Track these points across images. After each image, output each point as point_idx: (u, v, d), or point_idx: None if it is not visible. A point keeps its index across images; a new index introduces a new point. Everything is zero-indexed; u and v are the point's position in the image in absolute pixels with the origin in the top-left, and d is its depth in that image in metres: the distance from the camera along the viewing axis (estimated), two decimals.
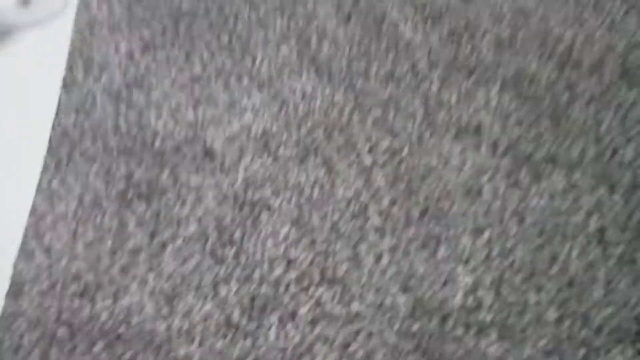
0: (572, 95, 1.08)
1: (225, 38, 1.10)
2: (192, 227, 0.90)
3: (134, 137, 0.98)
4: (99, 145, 0.97)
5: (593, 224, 0.94)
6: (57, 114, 1.00)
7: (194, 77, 1.05)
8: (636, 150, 1.02)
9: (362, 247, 0.90)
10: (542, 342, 0.84)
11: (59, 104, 1.00)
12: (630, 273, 0.90)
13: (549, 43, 1.14)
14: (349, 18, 1.14)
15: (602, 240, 0.93)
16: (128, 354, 0.79)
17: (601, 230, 0.94)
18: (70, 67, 1.04)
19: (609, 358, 0.84)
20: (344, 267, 0.88)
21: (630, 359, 0.83)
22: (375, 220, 0.93)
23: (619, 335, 0.85)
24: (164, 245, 0.88)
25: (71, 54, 1.05)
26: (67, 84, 1.02)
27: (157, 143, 0.97)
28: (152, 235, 0.89)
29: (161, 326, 0.82)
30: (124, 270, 0.86)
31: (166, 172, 0.95)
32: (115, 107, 1.00)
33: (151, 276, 0.85)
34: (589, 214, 0.95)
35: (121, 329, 0.81)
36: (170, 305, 0.83)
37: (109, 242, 0.88)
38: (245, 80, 1.05)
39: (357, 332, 0.83)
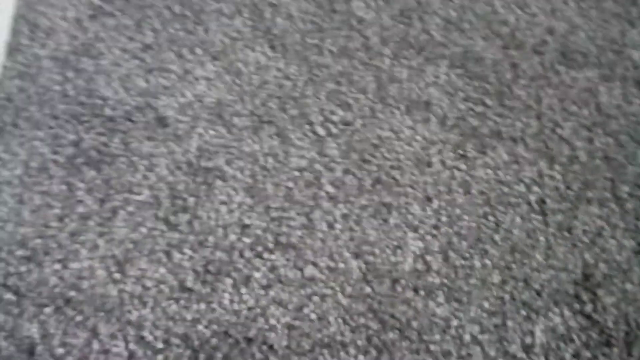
0: (516, 74, 1.13)
1: (176, 8, 1.08)
2: (145, 194, 0.89)
3: (83, 103, 0.95)
4: (46, 111, 0.94)
5: (534, 194, 0.99)
6: (0, 79, 0.96)
7: (145, 46, 1.03)
8: (574, 127, 1.07)
9: (316, 214, 0.91)
10: (487, 304, 0.88)
11: (3, 69, 0.97)
12: (568, 240, 0.95)
13: (494, 25, 1.19)
14: None
15: (542, 209, 0.98)
16: (78, 318, 0.78)
17: (542, 200, 0.99)
18: (14, 32, 1.00)
19: (549, 318, 0.88)
20: (298, 233, 0.89)
21: (567, 319, 0.88)
22: (328, 188, 0.94)
23: (558, 298, 0.90)
24: (115, 212, 0.87)
25: (16, 19, 1.01)
26: (11, 50, 0.99)
27: (107, 110, 0.95)
28: (103, 202, 0.87)
29: (113, 290, 0.80)
30: (74, 235, 0.84)
31: (117, 139, 0.93)
32: (63, 73, 0.98)
33: (102, 241, 0.84)
34: (531, 185, 1.00)
35: (71, 293, 0.79)
36: (122, 271, 0.82)
37: (58, 208, 0.86)
38: (199, 51, 1.04)
39: (311, 296, 0.85)
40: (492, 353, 0.85)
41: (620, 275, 0.91)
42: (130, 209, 0.87)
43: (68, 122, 0.93)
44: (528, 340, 0.86)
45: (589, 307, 0.89)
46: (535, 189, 0.99)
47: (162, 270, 0.83)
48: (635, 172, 1.02)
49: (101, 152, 0.91)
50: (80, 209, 0.86)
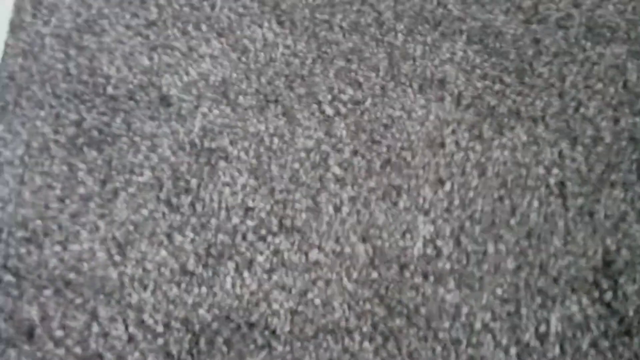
0: (537, 50, 1.07)
1: None
2: (146, 175, 0.87)
3: (85, 82, 0.93)
4: (48, 90, 0.92)
5: (554, 176, 0.94)
6: (3, 57, 0.94)
7: (149, 23, 1.00)
8: (599, 106, 1.02)
9: (322, 197, 0.88)
10: (500, 291, 0.84)
11: (5, 47, 0.95)
12: (588, 225, 0.91)
13: None
14: None
15: (562, 193, 0.93)
16: (78, 300, 0.77)
17: (562, 183, 0.94)
18: (17, 9, 0.98)
19: (565, 306, 0.84)
20: (303, 216, 0.87)
21: (585, 307, 0.84)
22: (335, 170, 0.91)
23: (575, 285, 0.86)
24: (116, 193, 0.85)
25: None
26: (14, 27, 0.97)
27: (110, 89, 0.93)
28: (104, 183, 0.86)
29: (113, 273, 0.79)
30: (74, 217, 0.82)
31: (119, 118, 0.91)
32: (65, 51, 0.96)
33: (102, 223, 0.82)
34: (550, 167, 0.95)
35: (71, 276, 0.78)
36: (122, 253, 0.81)
37: (58, 189, 0.84)
38: (204, 28, 1.01)
39: (315, 280, 0.82)
40: (504, 341, 0.81)
41: None
42: (132, 190, 0.86)
43: (70, 101, 0.91)
44: (542, 328, 0.82)
45: (608, 295, 0.85)
46: (555, 171, 0.95)
47: (164, 252, 0.82)
48: None
49: (103, 132, 0.89)
50: (81, 190, 0.85)
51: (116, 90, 0.93)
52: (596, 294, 0.85)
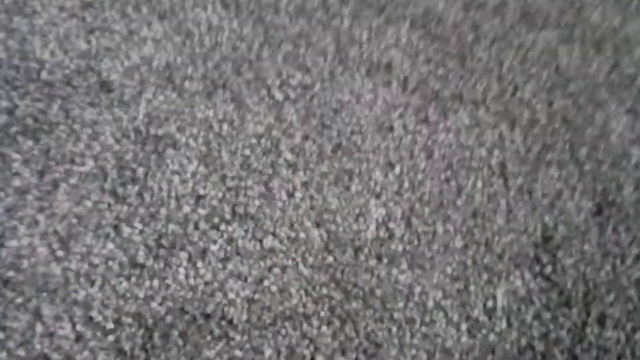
0: (477, 35, 1.10)
1: None
2: (89, 165, 0.83)
3: (17, 67, 0.87)
4: None
5: (495, 157, 0.98)
6: None
7: (85, 4, 0.95)
8: (534, 89, 1.06)
9: (275, 183, 0.88)
10: (449, 269, 0.87)
11: None
12: (528, 203, 0.95)
13: None
14: None
15: (503, 173, 0.97)
16: (19, 300, 0.72)
17: (502, 164, 0.98)
18: None
19: (510, 281, 0.88)
20: (256, 202, 0.85)
21: (527, 282, 0.88)
22: (287, 155, 0.90)
23: (519, 261, 0.90)
24: (55, 184, 0.80)
25: None
26: None
27: (44, 74, 0.88)
28: (42, 174, 0.81)
29: (56, 269, 0.75)
30: (10, 211, 0.77)
31: (56, 105, 0.86)
32: None
33: (42, 217, 0.77)
34: (492, 149, 0.99)
35: (10, 274, 0.73)
36: (65, 247, 0.76)
37: None
38: (144, 10, 0.97)
39: (271, 267, 0.81)
40: (455, 318, 0.84)
41: (578, 237, 0.92)
42: (73, 181, 0.81)
43: (0, 87, 0.85)
44: (490, 304, 0.86)
45: (548, 269, 0.89)
46: (497, 152, 0.98)
47: (111, 245, 0.78)
48: (593, 134, 1.02)
49: (38, 120, 0.84)
50: (17, 182, 0.79)
51: (51, 75, 0.87)
52: (537, 269, 0.89)
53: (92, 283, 0.75)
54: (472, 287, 0.86)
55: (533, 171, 0.98)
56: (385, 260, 0.85)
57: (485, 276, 0.88)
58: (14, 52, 0.88)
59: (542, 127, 1.01)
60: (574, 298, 0.87)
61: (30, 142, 0.82)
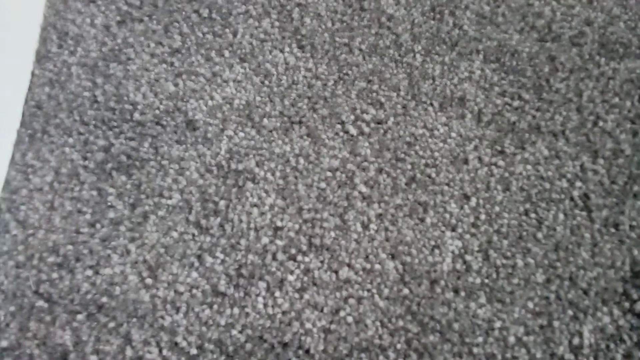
0: (553, 67, 1.08)
1: (204, 12, 1.08)
2: (175, 198, 0.88)
3: (112, 109, 0.95)
4: (76, 118, 0.94)
5: (577, 189, 0.95)
6: (30, 87, 0.96)
7: (174, 50, 1.02)
8: (617, 119, 1.03)
9: (350, 215, 0.89)
10: (531, 304, 0.84)
11: (32, 77, 0.97)
12: (615, 236, 0.90)
13: (529, 17, 1.15)
14: None
15: (586, 205, 0.93)
16: (111, 324, 0.76)
17: (585, 195, 0.94)
18: (43, 40, 1.01)
19: (597, 318, 0.84)
20: (332, 234, 0.87)
21: (616, 318, 0.84)
22: (362, 188, 0.91)
23: (606, 296, 0.85)
24: (145, 216, 0.86)
25: (44, 27, 1.02)
26: (40, 57, 0.99)
27: (137, 115, 0.95)
28: (133, 206, 0.86)
29: (145, 296, 0.79)
30: (105, 241, 0.83)
31: (146, 143, 0.92)
32: (92, 79, 0.97)
33: (133, 247, 0.83)
34: (573, 180, 0.96)
35: (103, 299, 0.78)
36: (153, 276, 0.81)
37: (88, 214, 0.85)
38: (227, 54, 1.03)
39: (347, 298, 0.82)
40: (539, 355, 0.80)
41: None
42: (161, 213, 0.86)
43: (98, 127, 0.93)
44: (576, 341, 0.81)
45: (639, 305, 0.84)
46: (579, 184, 0.95)
47: (194, 274, 0.82)
48: None
49: (131, 157, 0.90)
50: (111, 214, 0.85)
51: (143, 116, 0.95)
52: (627, 305, 0.84)
53: (178, 310, 0.79)
54: (556, 323, 0.83)
55: (619, 203, 0.93)
56: (462, 294, 0.84)
57: (570, 312, 0.84)
58: (110, 96, 0.96)
59: (627, 157, 0.97)
60: None
61: (123, 177, 0.89)
